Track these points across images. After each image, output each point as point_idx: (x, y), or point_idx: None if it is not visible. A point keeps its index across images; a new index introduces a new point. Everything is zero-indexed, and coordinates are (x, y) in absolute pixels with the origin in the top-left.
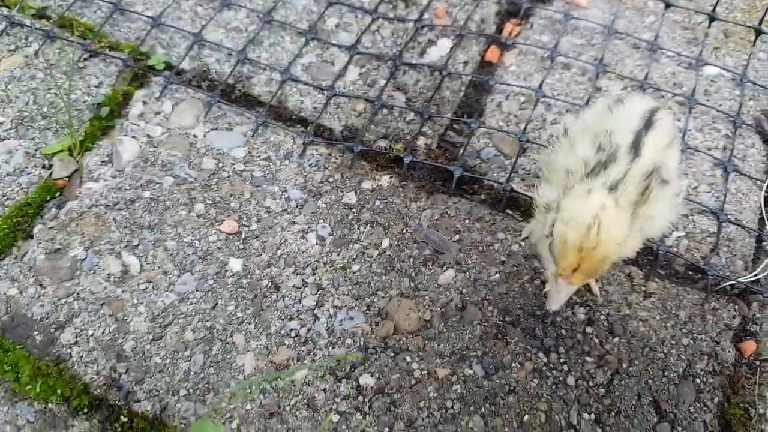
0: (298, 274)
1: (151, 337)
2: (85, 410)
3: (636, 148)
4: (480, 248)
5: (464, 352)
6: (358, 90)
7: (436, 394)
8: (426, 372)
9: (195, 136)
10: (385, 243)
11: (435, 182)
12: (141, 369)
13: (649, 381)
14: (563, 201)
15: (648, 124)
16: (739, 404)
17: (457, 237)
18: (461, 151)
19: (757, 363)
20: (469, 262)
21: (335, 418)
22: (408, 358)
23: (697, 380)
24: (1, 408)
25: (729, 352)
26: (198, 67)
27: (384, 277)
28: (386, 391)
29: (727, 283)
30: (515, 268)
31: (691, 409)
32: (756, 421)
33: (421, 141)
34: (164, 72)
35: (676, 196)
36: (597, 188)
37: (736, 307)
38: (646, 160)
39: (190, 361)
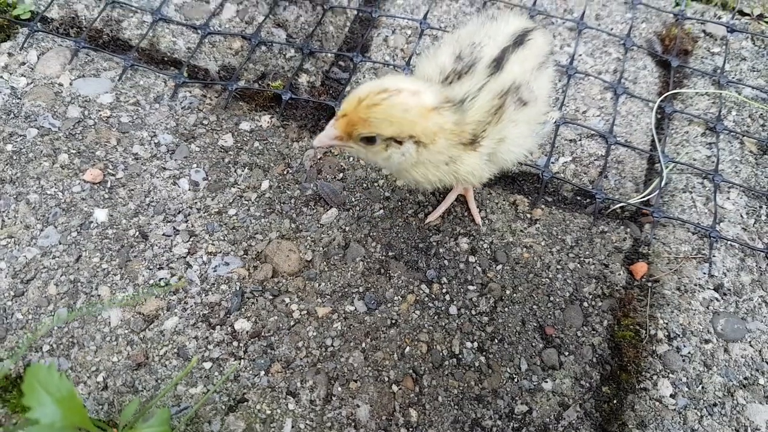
0: (168, 222)
1: (12, 293)
2: None
3: (498, 63)
4: (364, 185)
5: (346, 290)
6: (235, 28)
7: (315, 333)
8: (306, 312)
9: (61, 84)
10: (265, 185)
11: (319, 121)
12: (2, 327)
13: (534, 307)
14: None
15: (518, 41)
16: (629, 326)
17: (341, 175)
18: (346, 88)
19: (649, 284)
20: (353, 199)
21: (207, 365)
22: (287, 300)
23: (585, 304)
24: None
25: (619, 274)
26: (66, 14)
27: (263, 220)
28: (263, 334)
29: (617, 206)
30: (399, 204)
31: (579, 334)
32: (647, 342)
33: (304, 78)
34: (30, 21)
35: (539, 124)
36: (429, 84)
37: (628, 230)
38: (507, 77)
39: (53, 315)
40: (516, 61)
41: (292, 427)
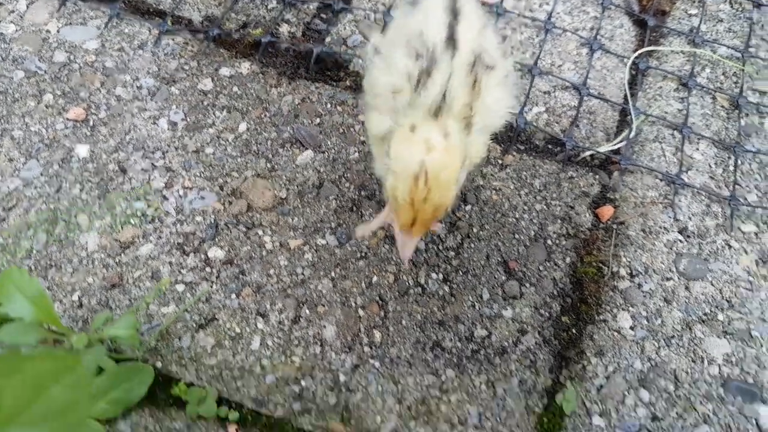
0: (146, 158)
1: None
2: None
3: (452, 41)
4: (341, 130)
5: (318, 225)
6: None
7: (287, 263)
8: (278, 244)
9: (48, 31)
10: (242, 127)
11: (297, 69)
12: None
13: (499, 243)
14: (392, 146)
15: (455, 12)
16: (592, 263)
17: (318, 120)
18: (327, 39)
19: (614, 226)
20: (329, 143)
21: (180, 287)
22: (260, 233)
23: (549, 242)
24: None
25: (585, 217)
26: None
27: (239, 159)
28: (236, 262)
29: (587, 153)
30: None
31: (541, 268)
32: (609, 278)
33: (285, 29)
34: None
35: (505, 77)
36: (421, 123)
37: (596, 176)
38: (466, 51)
39: (32, 239)
40: (464, 31)
41: (261, 343)
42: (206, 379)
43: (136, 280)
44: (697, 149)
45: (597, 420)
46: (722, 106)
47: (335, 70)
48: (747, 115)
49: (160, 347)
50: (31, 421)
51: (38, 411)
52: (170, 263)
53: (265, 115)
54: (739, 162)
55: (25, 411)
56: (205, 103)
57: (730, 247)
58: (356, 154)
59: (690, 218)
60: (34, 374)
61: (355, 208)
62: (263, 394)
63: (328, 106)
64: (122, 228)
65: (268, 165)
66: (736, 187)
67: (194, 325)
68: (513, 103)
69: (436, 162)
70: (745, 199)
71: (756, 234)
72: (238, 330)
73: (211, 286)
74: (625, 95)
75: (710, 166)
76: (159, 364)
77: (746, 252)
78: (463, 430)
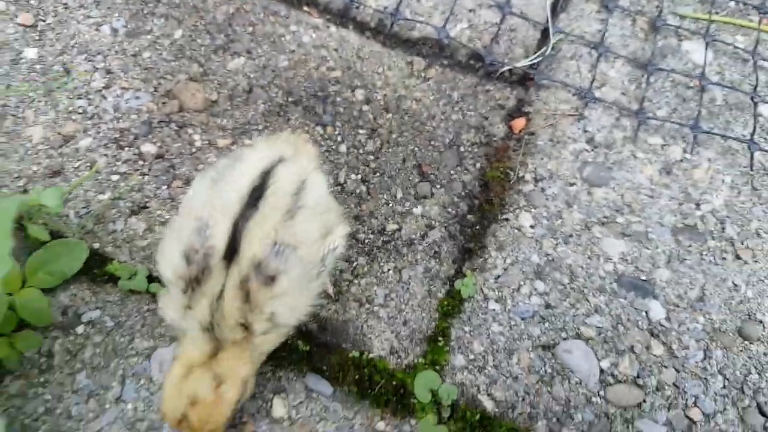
0: (89, 61)
1: None
2: None
3: (232, 245)
4: (272, 39)
5: (246, 127)
6: None
7: (215, 160)
8: (207, 142)
9: None
10: (178, 34)
11: None
12: None
13: (415, 149)
14: (165, 382)
15: (253, 199)
16: (500, 169)
17: (251, 29)
18: None
19: (525, 137)
20: (260, 51)
21: (114, 177)
22: (191, 131)
23: (462, 149)
24: None
25: (498, 127)
26: None
27: (173, 63)
28: (166, 156)
29: (505, 69)
30: (304, 57)
31: (452, 172)
32: (514, 182)
33: None
34: None
35: (314, 277)
36: (189, 341)
37: (513, 91)
38: (244, 259)
39: None
40: (252, 228)
41: None
42: (138, 260)
43: (75, 169)
44: (613, 67)
45: (493, 305)
46: (642, 28)
47: None
48: (666, 37)
49: (96, 230)
50: None
51: None
52: (106, 155)
53: (200, 24)
54: (652, 80)
55: None
56: (145, 11)
57: (635, 157)
58: (286, 63)
59: (599, 130)
60: None
61: (282, 113)
62: None
63: (261, 15)
64: (65, 123)
65: (201, 69)
66: (647, 102)
67: (127, 211)
68: (312, 301)
69: (201, 415)
70: (655, 114)
71: (662, 146)
72: (167, 216)
73: (143, 177)
74: (547, 16)
75: (623, 83)
76: (95, 245)
77: (651, 162)
78: (369, 307)
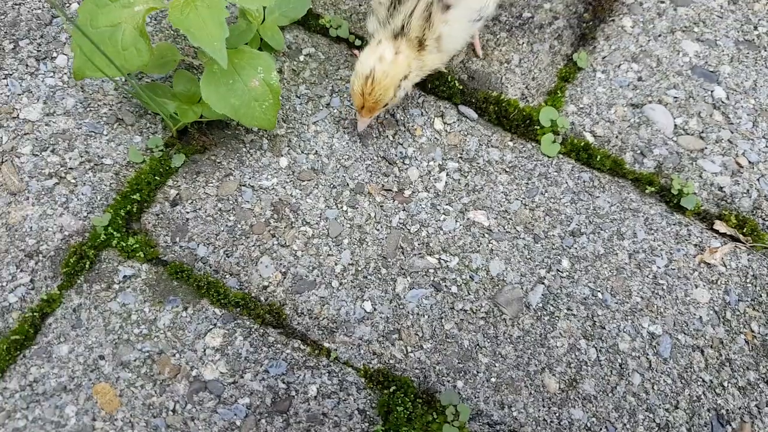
0: None
1: None
2: None
3: None
4: None
5: None
6: None
7: None
8: None
9: None
10: None
11: None
12: None
13: None
14: (362, 52)
15: None
16: None
17: None
18: None
19: None
20: None
21: None
22: None
23: None
24: None
25: None
26: None
27: None
28: None
29: None
30: None
31: None
32: None
33: None
34: None
35: (472, 20)
36: (383, 40)
37: None
38: None
39: None
40: None
41: None
42: (343, 17)
43: None
44: None
45: (599, 75)
46: None
47: None
48: None
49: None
50: None
51: None
52: None
53: None
54: None
55: None
56: None
57: None
58: None
59: None
60: None
61: None
62: None
63: None
64: None
65: None
66: None
67: None
68: (469, 36)
69: (382, 69)
70: None
71: None
72: None
73: None
74: None
75: None
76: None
77: None
78: (507, 66)
